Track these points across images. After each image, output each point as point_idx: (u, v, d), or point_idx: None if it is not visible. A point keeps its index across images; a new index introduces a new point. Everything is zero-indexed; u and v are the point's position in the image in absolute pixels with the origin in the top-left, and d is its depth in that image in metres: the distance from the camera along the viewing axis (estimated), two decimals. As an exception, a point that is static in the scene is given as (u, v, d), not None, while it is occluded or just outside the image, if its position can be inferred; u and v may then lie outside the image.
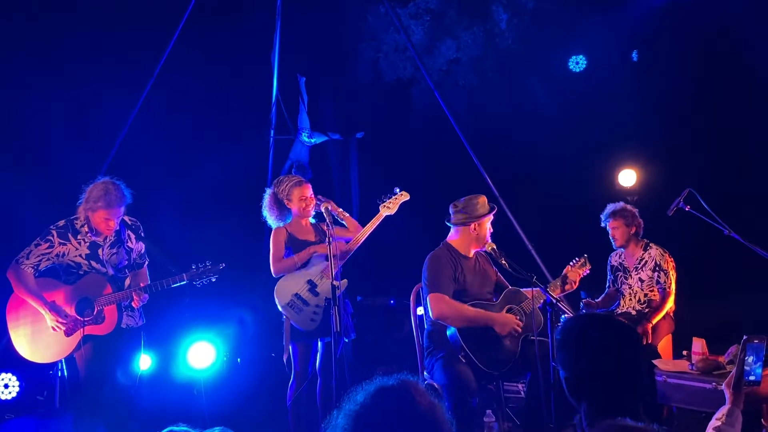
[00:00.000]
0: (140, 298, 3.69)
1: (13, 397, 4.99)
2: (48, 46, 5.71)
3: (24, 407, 5.00)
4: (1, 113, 5.51)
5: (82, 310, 3.59)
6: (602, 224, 4.90)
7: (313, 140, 6.75)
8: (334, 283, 3.65)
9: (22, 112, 5.53)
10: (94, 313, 3.60)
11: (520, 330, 3.72)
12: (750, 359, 2.27)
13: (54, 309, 3.56)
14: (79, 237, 3.67)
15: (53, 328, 3.56)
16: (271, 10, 6.42)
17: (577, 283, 4.02)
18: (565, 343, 1.83)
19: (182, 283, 3.75)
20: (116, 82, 5.80)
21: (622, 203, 4.89)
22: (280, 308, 4.01)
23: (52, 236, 3.62)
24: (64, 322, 3.56)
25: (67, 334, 3.58)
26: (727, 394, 2.24)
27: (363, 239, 4.13)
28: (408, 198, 4.31)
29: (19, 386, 5.02)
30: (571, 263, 4.08)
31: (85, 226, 3.68)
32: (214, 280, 3.83)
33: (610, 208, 4.87)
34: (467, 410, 3.44)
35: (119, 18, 5.91)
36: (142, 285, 3.74)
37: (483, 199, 3.95)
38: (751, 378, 2.26)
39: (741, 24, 6.16)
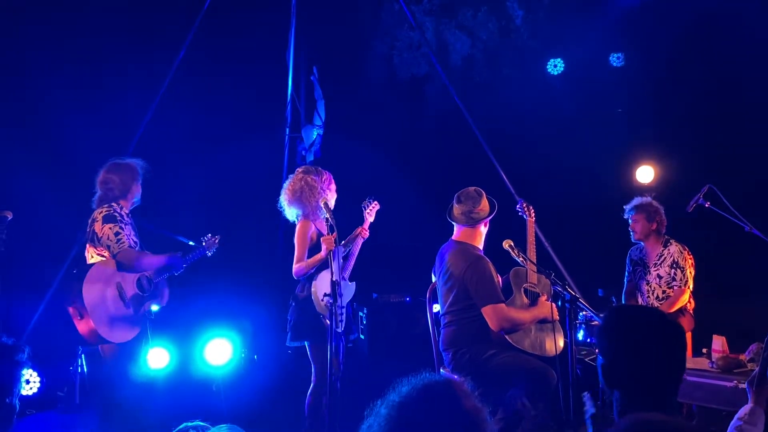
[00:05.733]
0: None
1: (34, 393, 5.04)
2: (68, 38, 5.77)
3: (44, 403, 5.04)
4: (20, 102, 5.59)
5: (142, 287, 3.80)
6: (625, 216, 4.87)
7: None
8: (336, 277, 3.68)
9: (42, 104, 5.60)
10: (152, 288, 3.85)
11: (554, 311, 3.76)
12: None
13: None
14: (126, 219, 3.85)
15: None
16: (285, 7, 6.44)
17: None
18: (608, 330, 1.84)
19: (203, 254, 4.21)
20: (135, 77, 5.86)
21: (649, 198, 4.84)
22: (318, 309, 3.99)
23: (120, 216, 3.80)
24: None
25: (135, 312, 3.74)
26: (750, 393, 2.22)
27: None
28: (379, 207, 4.48)
29: (40, 382, 5.07)
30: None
31: (124, 208, 3.87)
32: (215, 251, 4.30)
33: (635, 201, 4.84)
34: (552, 393, 3.50)
35: (137, 12, 5.96)
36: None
37: (484, 195, 3.94)
38: None
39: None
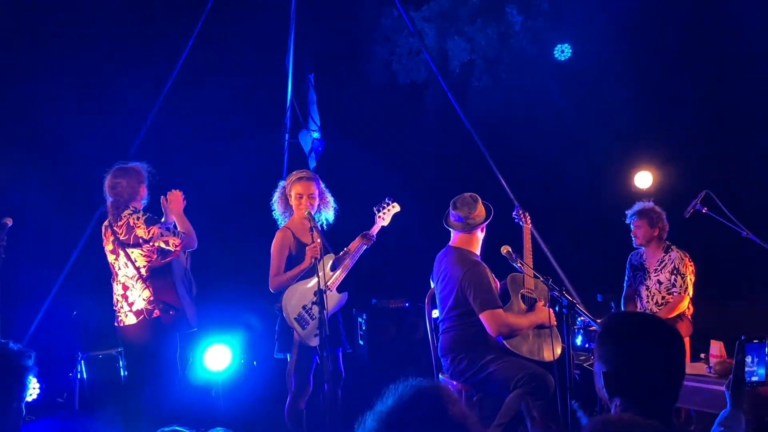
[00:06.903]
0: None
1: (33, 399, 5.04)
2: (68, 43, 5.80)
3: (44, 409, 5.05)
4: (21, 107, 5.61)
5: (188, 283, 4.02)
6: (627, 221, 4.87)
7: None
8: (322, 286, 3.52)
9: (44, 109, 5.61)
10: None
11: (552, 317, 3.76)
12: (750, 359, 2.25)
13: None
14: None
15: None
16: (285, 12, 6.46)
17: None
18: (609, 337, 1.83)
19: None
20: (136, 83, 5.87)
21: (651, 204, 4.83)
22: (288, 321, 3.85)
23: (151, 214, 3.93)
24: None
25: (192, 297, 4.04)
26: (728, 397, 2.22)
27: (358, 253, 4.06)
28: (399, 210, 4.16)
29: (40, 388, 5.07)
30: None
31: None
32: None
33: (637, 206, 4.83)
34: (550, 398, 3.49)
35: (138, 19, 6.00)
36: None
37: (480, 200, 3.94)
38: (754, 378, 2.25)
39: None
